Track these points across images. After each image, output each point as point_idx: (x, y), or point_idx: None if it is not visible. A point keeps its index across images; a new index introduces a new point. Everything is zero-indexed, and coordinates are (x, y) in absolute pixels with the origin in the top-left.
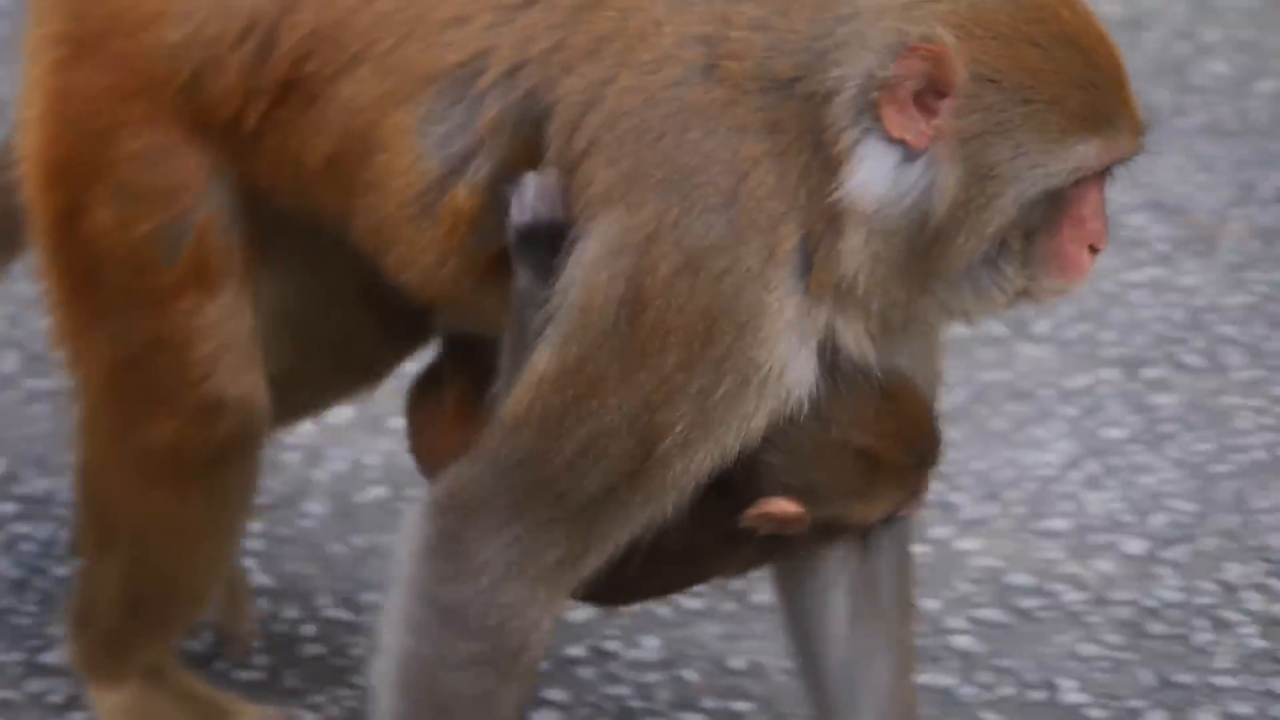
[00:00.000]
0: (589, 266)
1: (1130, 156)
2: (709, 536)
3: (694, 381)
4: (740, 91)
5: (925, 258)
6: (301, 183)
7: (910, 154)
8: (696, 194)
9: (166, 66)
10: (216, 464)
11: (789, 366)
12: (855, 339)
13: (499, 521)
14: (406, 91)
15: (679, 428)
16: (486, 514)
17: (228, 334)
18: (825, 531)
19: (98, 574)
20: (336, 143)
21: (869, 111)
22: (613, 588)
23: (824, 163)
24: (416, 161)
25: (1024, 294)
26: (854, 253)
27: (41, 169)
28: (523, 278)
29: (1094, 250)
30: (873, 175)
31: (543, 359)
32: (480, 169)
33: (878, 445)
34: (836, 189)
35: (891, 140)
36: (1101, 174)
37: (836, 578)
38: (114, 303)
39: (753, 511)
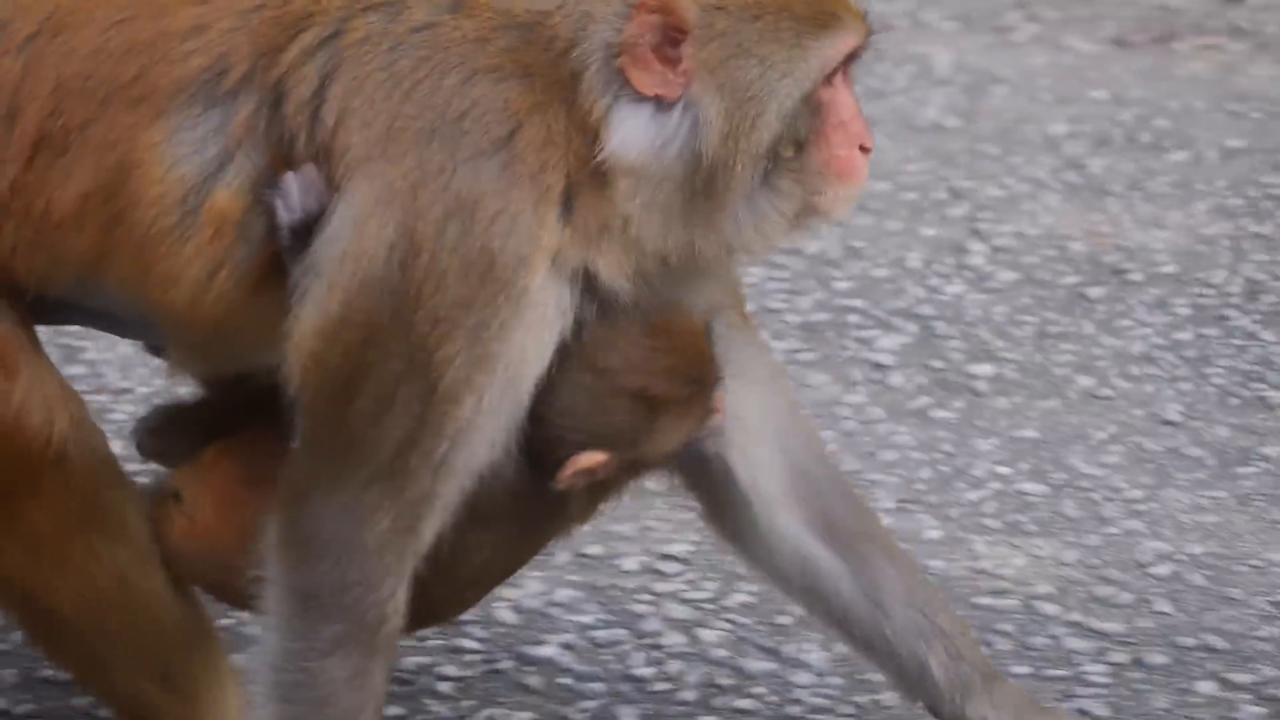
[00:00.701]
0: (355, 220)
1: (863, 46)
2: (537, 509)
3: (470, 316)
4: (490, 28)
5: (706, 194)
6: (52, 241)
7: (665, 104)
8: (465, 140)
9: None
10: (95, 508)
11: (558, 301)
12: (621, 283)
13: (324, 497)
14: (156, 110)
15: (458, 361)
16: (313, 494)
17: (47, 396)
18: (635, 467)
19: (116, 692)
20: (90, 181)
21: (616, 79)
22: (452, 593)
23: (581, 126)
24: (170, 170)
25: (809, 211)
26: (623, 202)
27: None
28: (294, 269)
29: (864, 150)
30: (631, 134)
31: (309, 319)
32: (240, 171)
33: (652, 385)
34: (599, 152)
35: (644, 98)
36: (845, 74)
37: (804, 538)
38: None
39: (565, 474)
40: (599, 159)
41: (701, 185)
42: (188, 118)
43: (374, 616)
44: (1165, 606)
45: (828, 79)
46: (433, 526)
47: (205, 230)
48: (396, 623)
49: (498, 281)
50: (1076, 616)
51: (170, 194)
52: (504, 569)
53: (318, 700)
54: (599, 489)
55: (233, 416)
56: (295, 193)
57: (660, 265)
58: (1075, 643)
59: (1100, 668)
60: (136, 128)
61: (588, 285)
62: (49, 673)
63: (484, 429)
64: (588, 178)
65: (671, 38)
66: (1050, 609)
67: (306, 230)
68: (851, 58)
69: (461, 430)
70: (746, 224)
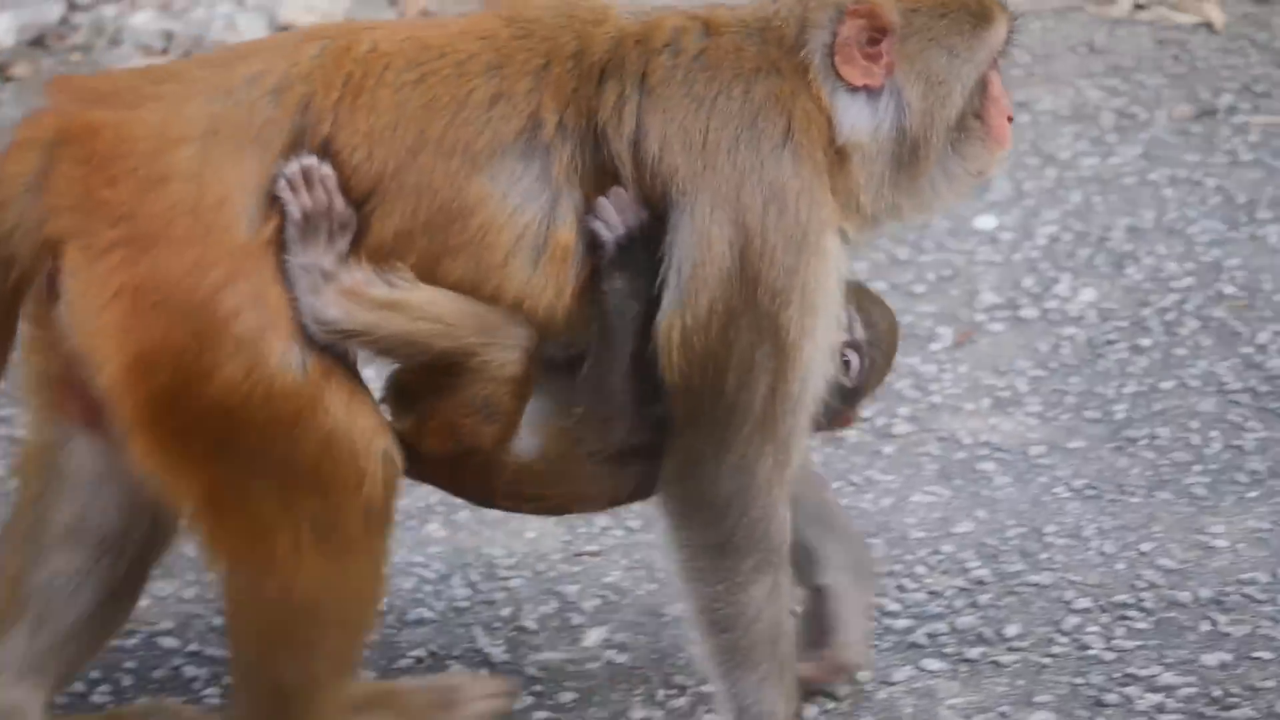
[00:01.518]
0: (699, 230)
1: (1013, 31)
2: None
3: (796, 279)
4: (738, 38)
5: (910, 164)
6: (379, 259)
7: (873, 92)
8: (763, 138)
9: (250, 221)
10: (388, 518)
11: (840, 255)
12: (854, 241)
13: (716, 462)
14: (474, 164)
15: (795, 317)
16: (706, 463)
17: (362, 407)
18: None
19: (278, 674)
20: (408, 220)
21: (833, 73)
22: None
23: (819, 111)
24: (513, 216)
25: (982, 171)
26: (857, 175)
27: (135, 362)
28: (619, 281)
29: (1010, 119)
30: (856, 119)
31: (676, 320)
32: (569, 207)
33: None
34: (836, 135)
35: (856, 89)
36: (998, 57)
37: None
38: (251, 443)
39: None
40: (839, 142)
41: (907, 156)
42: (511, 171)
43: (778, 539)
44: None
45: (994, 64)
46: (800, 452)
47: (553, 261)
48: (789, 538)
49: (810, 247)
50: None
51: (519, 235)
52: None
53: (749, 621)
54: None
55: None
56: (614, 213)
57: (870, 227)
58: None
59: None
60: (457, 177)
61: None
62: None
63: (820, 364)
64: (833, 155)
65: (874, 34)
66: None
67: (627, 242)
68: (1008, 42)
69: (806, 370)
70: (941, 185)
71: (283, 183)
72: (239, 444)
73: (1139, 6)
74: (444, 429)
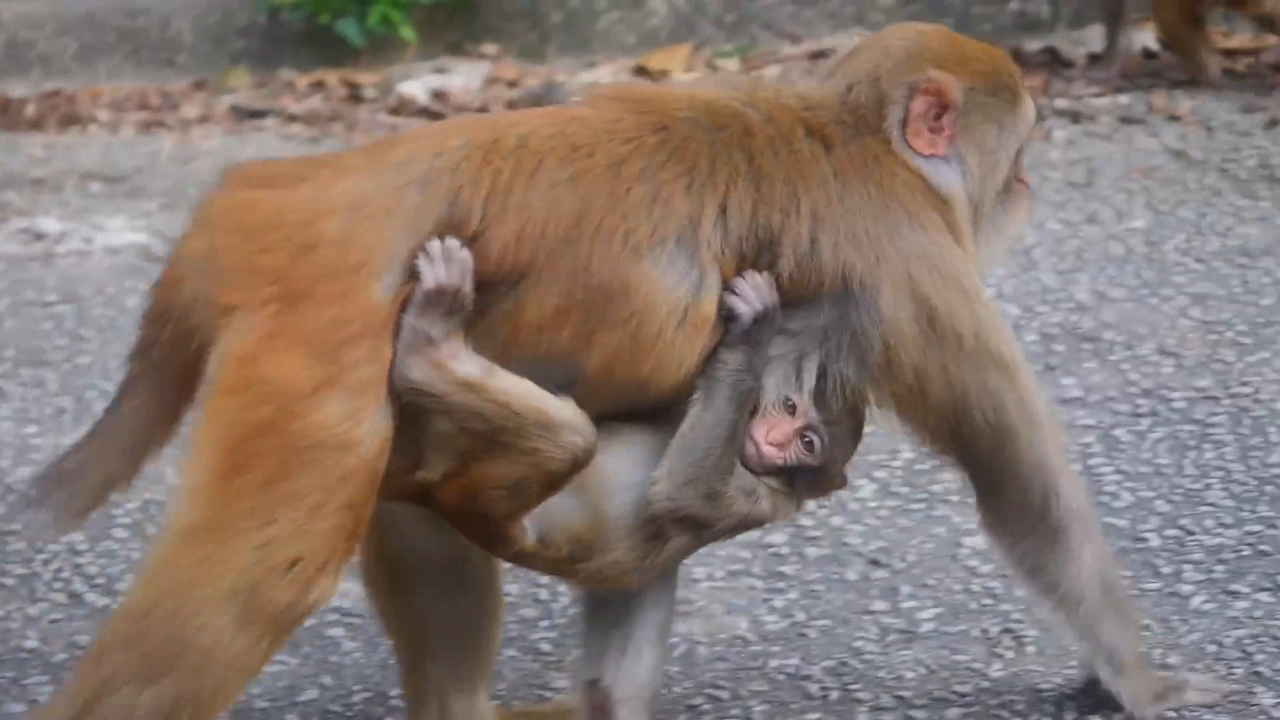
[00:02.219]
0: (885, 315)
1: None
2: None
3: (979, 313)
4: (844, 135)
5: (975, 214)
6: (527, 331)
7: (937, 160)
8: (903, 222)
9: (380, 294)
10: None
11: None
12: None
13: (1017, 477)
14: (637, 253)
15: (996, 339)
16: (1008, 486)
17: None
18: None
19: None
20: (565, 298)
21: (905, 143)
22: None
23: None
24: (670, 294)
25: (1018, 231)
26: (963, 222)
27: (278, 382)
28: (743, 354)
29: (1029, 186)
30: (944, 179)
31: (900, 397)
32: (710, 286)
33: None
34: (935, 190)
35: (925, 155)
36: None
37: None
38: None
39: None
40: (942, 194)
41: (972, 211)
42: (669, 257)
43: (1081, 500)
44: None
45: (1028, 135)
46: (1055, 417)
47: (694, 329)
48: (1091, 508)
49: (968, 285)
50: None
51: (675, 311)
52: None
53: (1090, 585)
54: None
55: None
56: (751, 292)
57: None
58: None
59: None
60: (618, 263)
61: None
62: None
63: (1022, 355)
64: (942, 208)
65: (939, 110)
66: None
67: (762, 319)
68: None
69: (1025, 365)
70: (995, 240)
71: (424, 254)
72: (294, 481)
73: None
74: (466, 489)
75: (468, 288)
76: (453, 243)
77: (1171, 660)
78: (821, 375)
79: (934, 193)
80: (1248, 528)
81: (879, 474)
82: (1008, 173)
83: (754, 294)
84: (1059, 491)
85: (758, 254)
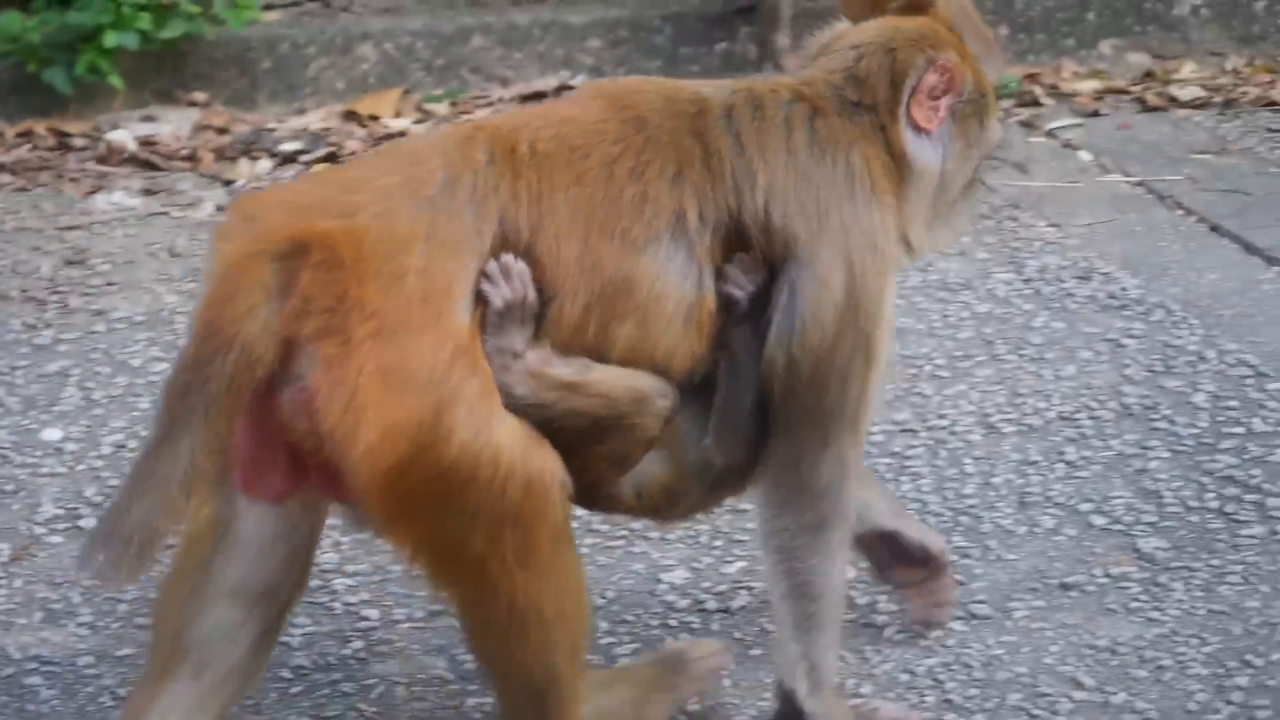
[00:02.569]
0: (820, 278)
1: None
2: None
3: (884, 301)
4: (833, 117)
5: (939, 198)
6: (562, 330)
7: (924, 134)
8: (855, 195)
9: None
10: (567, 527)
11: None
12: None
13: (818, 453)
14: (636, 249)
15: (884, 333)
16: (807, 456)
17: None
18: None
19: (532, 671)
20: (589, 295)
21: (908, 113)
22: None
23: (893, 149)
24: (674, 289)
25: (962, 232)
26: (911, 211)
27: (385, 435)
28: (742, 334)
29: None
30: (924, 157)
31: (785, 349)
32: (708, 279)
33: None
34: (907, 172)
35: (918, 129)
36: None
37: None
38: (470, 500)
39: None
40: (912, 170)
41: (935, 199)
42: (666, 253)
43: (852, 514)
44: None
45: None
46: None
47: (700, 323)
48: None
49: (888, 276)
50: None
51: (680, 305)
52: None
53: (833, 588)
54: None
55: None
56: (742, 276)
57: (911, 252)
58: None
59: None
60: (622, 259)
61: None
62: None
63: (888, 370)
64: (899, 196)
65: (941, 91)
66: None
67: (751, 300)
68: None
69: (882, 374)
70: (954, 223)
71: (485, 278)
72: (459, 498)
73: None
74: (575, 469)
75: (531, 296)
76: (508, 258)
77: (865, 690)
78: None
79: (904, 171)
80: None
81: (579, 511)
82: (973, 171)
83: (744, 278)
84: (843, 491)
85: (733, 234)
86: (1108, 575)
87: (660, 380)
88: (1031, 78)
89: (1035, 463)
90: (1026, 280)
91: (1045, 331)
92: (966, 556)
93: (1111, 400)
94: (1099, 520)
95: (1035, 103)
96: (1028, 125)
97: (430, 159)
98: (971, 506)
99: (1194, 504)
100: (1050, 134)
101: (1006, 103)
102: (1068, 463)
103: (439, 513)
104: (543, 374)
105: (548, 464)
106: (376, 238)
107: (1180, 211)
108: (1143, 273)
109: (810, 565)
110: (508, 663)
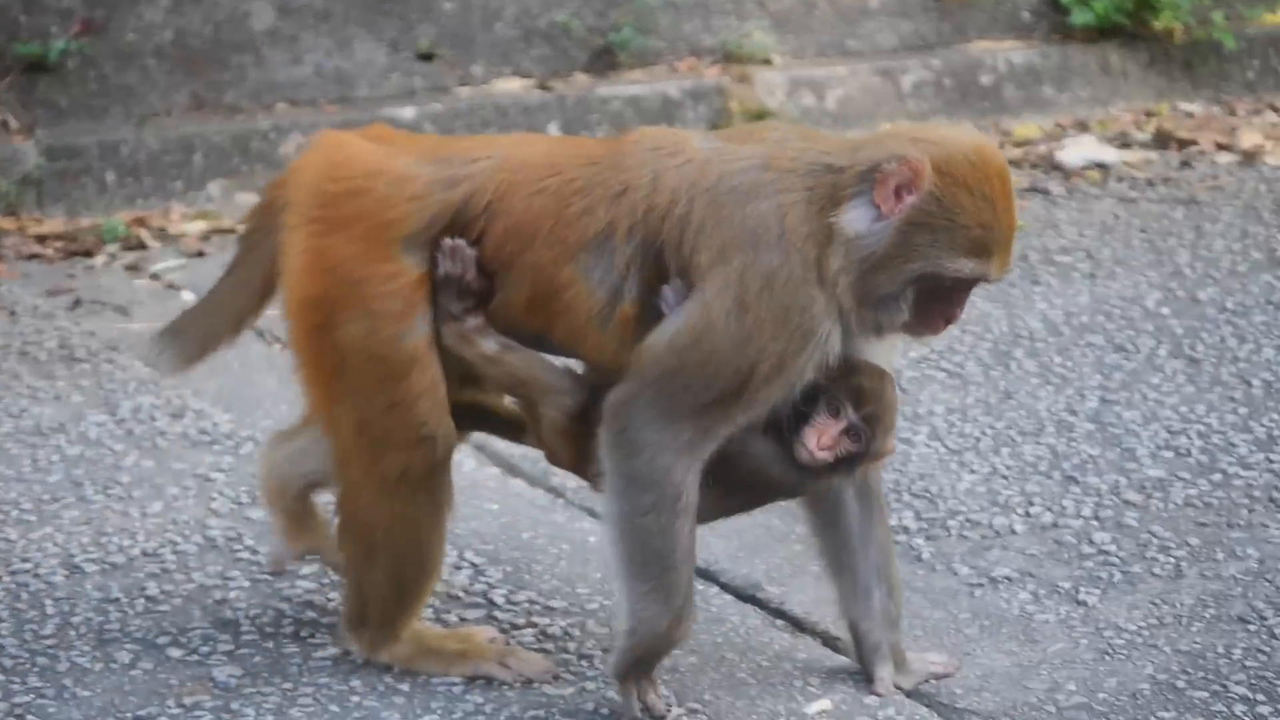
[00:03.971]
0: (706, 299)
1: (993, 282)
2: (785, 471)
3: (779, 343)
4: (786, 174)
5: (863, 282)
6: (513, 313)
7: (880, 216)
8: (761, 238)
9: (404, 254)
10: (432, 477)
11: (830, 334)
12: (844, 325)
13: (644, 412)
14: (567, 256)
15: (766, 369)
16: (641, 414)
17: (435, 393)
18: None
19: (366, 578)
20: (530, 292)
21: (868, 184)
22: (718, 511)
23: (833, 204)
24: (590, 295)
25: (907, 329)
26: (838, 261)
27: (301, 301)
28: None
29: (947, 322)
30: (856, 218)
31: (661, 342)
32: (630, 290)
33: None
34: (835, 217)
35: (874, 205)
36: (972, 284)
37: (847, 489)
38: (356, 383)
39: (891, 448)
40: (831, 221)
41: (865, 274)
42: (590, 262)
43: (672, 491)
44: None
45: (956, 280)
46: (712, 445)
47: (618, 328)
48: (691, 498)
49: (794, 322)
50: None
51: (594, 309)
52: (736, 510)
53: (640, 543)
54: (823, 472)
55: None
56: (672, 298)
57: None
58: None
59: None
60: (556, 264)
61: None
62: None
63: (765, 406)
64: (826, 246)
65: (908, 188)
66: None
67: None
68: (979, 282)
69: (753, 404)
70: (876, 314)
71: (439, 249)
72: (347, 380)
73: None
74: (540, 445)
75: (470, 275)
76: (459, 241)
77: None
78: None
79: (835, 233)
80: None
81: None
82: (914, 278)
83: (674, 298)
84: (658, 457)
85: (653, 252)
86: (181, 705)
87: (571, 379)
88: (140, 222)
89: (116, 600)
90: (120, 421)
91: (135, 470)
92: (42, 697)
93: (196, 534)
94: (176, 652)
95: (142, 246)
96: (132, 269)
97: (469, 144)
98: (50, 647)
99: (270, 630)
100: (154, 276)
101: (113, 247)
102: (149, 598)
103: (330, 389)
104: (470, 340)
105: (430, 403)
106: (367, 159)
107: (277, 345)
108: (235, 408)
109: (621, 512)
110: (353, 564)
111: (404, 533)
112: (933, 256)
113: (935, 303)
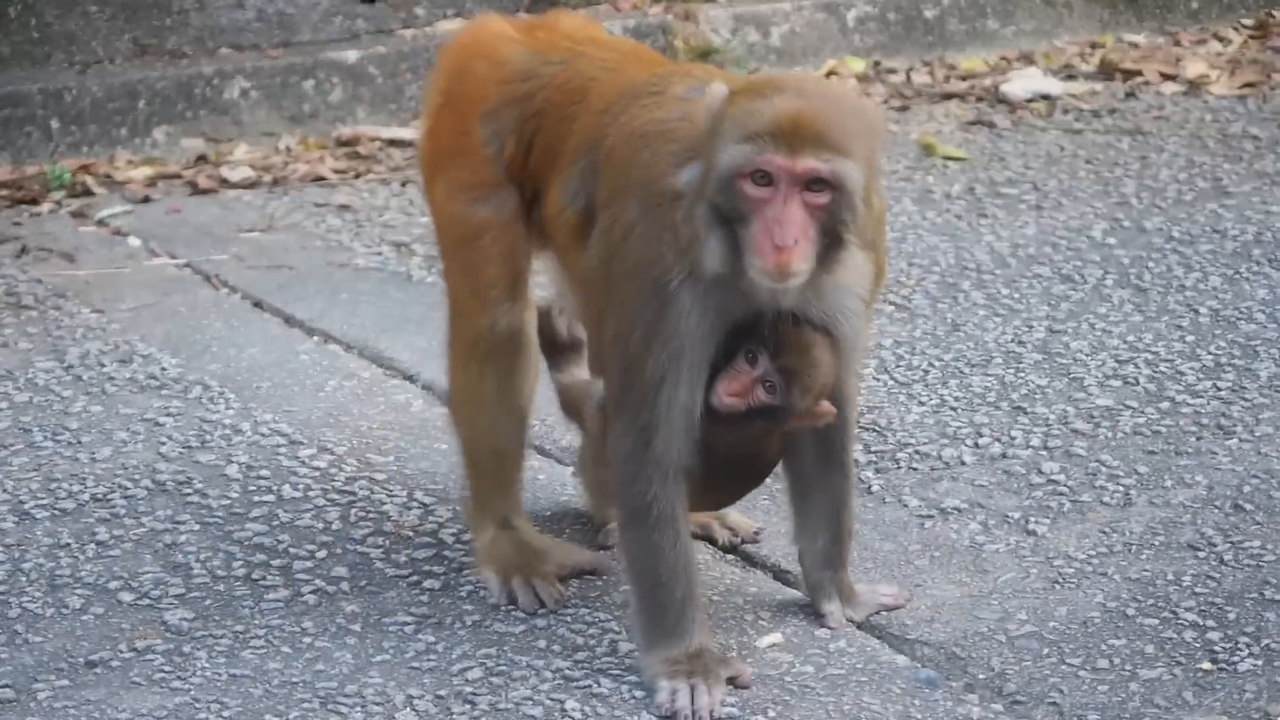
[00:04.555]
0: (595, 237)
1: (764, 151)
2: (763, 447)
3: (639, 300)
4: (679, 126)
5: (695, 227)
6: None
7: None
8: (632, 190)
9: (481, 135)
10: (498, 354)
11: (687, 298)
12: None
13: (615, 430)
14: (561, 167)
15: (639, 336)
16: (610, 427)
17: (502, 266)
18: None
19: (461, 454)
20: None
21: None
22: (719, 496)
23: (682, 165)
24: (558, 199)
25: (754, 270)
26: (682, 216)
27: (423, 162)
28: None
29: (776, 245)
30: (689, 174)
31: (588, 265)
32: (577, 200)
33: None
34: (676, 176)
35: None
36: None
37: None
38: (443, 244)
39: (819, 410)
40: (674, 180)
41: (697, 221)
42: (571, 173)
43: (639, 504)
44: None
45: (739, 173)
46: (669, 451)
47: (568, 228)
48: (661, 511)
49: (643, 280)
50: None
51: (560, 210)
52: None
53: (627, 559)
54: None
55: None
56: None
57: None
58: None
59: None
60: (553, 173)
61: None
62: None
63: (672, 386)
64: (677, 207)
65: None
66: None
67: None
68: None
69: (655, 382)
70: (721, 263)
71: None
72: (441, 241)
73: None
74: None
75: None
76: None
77: None
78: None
79: (684, 201)
80: None
81: None
82: (716, 199)
83: None
84: (621, 468)
85: (591, 171)
86: (133, 649)
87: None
88: (85, 169)
89: (67, 545)
90: (68, 367)
91: (83, 416)
92: None
93: (145, 479)
94: (127, 597)
95: (88, 192)
96: (79, 215)
97: (578, 43)
98: (1, 593)
99: (221, 573)
100: (100, 222)
101: (58, 195)
102: (99, 543)
103: (437, 240)
104: None
105: (491, 276)
106: (488, 42)
107: (225, 290)
108: (183, 352)
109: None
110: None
111: (474, 408)
112: (721, 162)
113: (752, 223)
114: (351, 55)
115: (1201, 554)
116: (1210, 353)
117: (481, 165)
